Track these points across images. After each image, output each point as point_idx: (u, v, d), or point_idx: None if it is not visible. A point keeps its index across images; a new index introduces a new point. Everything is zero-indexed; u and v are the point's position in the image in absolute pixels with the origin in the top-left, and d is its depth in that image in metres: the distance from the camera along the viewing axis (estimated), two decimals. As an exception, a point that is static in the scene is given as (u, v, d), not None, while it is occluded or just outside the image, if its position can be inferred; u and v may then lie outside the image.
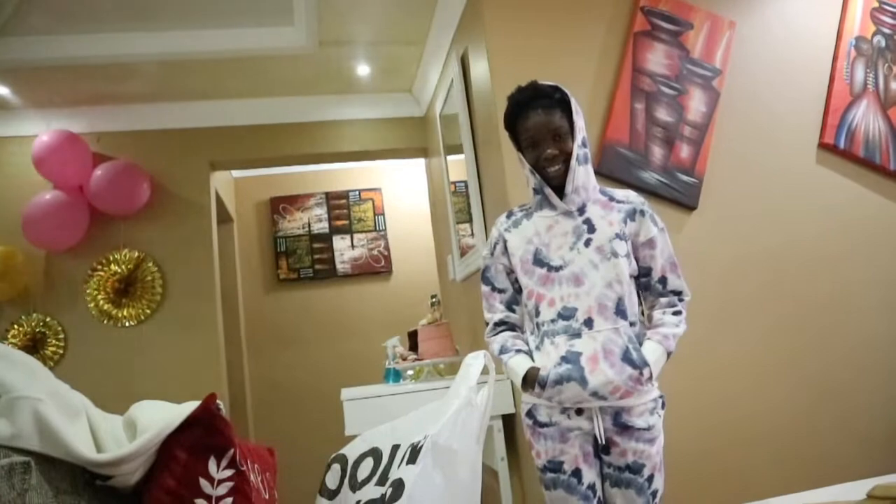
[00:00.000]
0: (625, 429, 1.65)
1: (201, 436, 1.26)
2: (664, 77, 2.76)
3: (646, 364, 1.62)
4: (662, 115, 2.73)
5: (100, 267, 3.71)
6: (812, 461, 2.56)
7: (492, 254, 1.83)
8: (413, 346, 2.98)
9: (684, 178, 2.71)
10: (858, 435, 2.68)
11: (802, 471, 2.47)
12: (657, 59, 2.77)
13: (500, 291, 1.82)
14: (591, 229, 1.72)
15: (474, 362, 1.49)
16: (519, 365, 1.69)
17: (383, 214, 5.20)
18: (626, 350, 1.62)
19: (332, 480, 1.56)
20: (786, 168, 2.86)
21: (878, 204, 2.94)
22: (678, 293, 1.79)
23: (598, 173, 2.60)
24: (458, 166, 3.29)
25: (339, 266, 5.07)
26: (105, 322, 3.67)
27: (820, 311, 2.77)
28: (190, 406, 1.29)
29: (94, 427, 1.25)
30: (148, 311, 3.71)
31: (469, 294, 3.24)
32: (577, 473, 1.65)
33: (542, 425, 1.68)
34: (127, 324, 3.69)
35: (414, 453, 1.31)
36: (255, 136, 4.07)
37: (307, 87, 3.98)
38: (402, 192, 5.23)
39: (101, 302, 3.68)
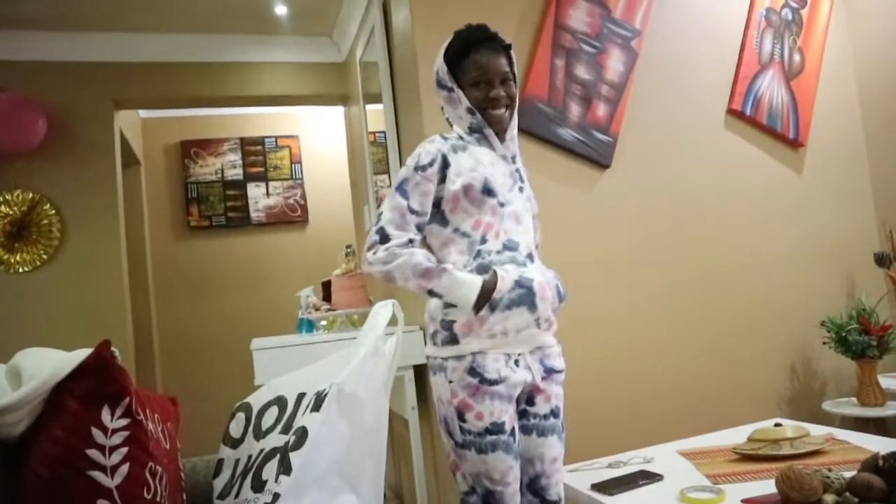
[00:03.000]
0: (548, 373, 1.67)
1: (94, 384, 1.21)
2: (585, 35, 2.78)
3: (565, 298, 1.69)
4: (581, 72, 2.76)
5: (-11, 208, 3.46)
6: (701, 409, 2.72)
7: (424, 169, 1.62)
8: (327, 297, 2.96)
9: (600, 136, 2.76)
10: (743, 386, 2.87)
11: (693, 417, 2.63)
12: (579, 16, 2.78)
13: (417, 214, 1.61)
14: (522, 179, 1.76)
15: (382, 311, 1.48)
16: (471, 276, 1.56)
17: (300, 162, 5.06)
18: (556, 285, 1.68)
19: (235, 429, 1.54)
20: (695, 131, 2.97)
21: (776, 170, 3.10)
22: None
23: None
24: (377, 116, 3.22)
25: (253, 214, 4.93)
26: (-4, 267, 3.45)
27: (718, 269, 2.92)
28: (81, 353, 1.23)
29: (-28, 375, 1.18)
30: (45, 257, 3.51)
31: (385, 246, 3.22)
32: (513, 433, 1.60)
33: (492, 383, 1.55)
34: (21, 269, 3.47)
35: (319, 401, 1.30)
36: (165, 74, 3.84)
37: (222, 24, 3.77)
38: (319, 140, 5.10)
39: (-9, 246, 3.44)
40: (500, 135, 1.72)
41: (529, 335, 1.61)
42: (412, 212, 1.60)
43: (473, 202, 1.62)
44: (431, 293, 1.58)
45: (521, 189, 1.73)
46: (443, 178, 1.63)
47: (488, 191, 1.62)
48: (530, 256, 1.67)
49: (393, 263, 1.55)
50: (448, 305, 1.60)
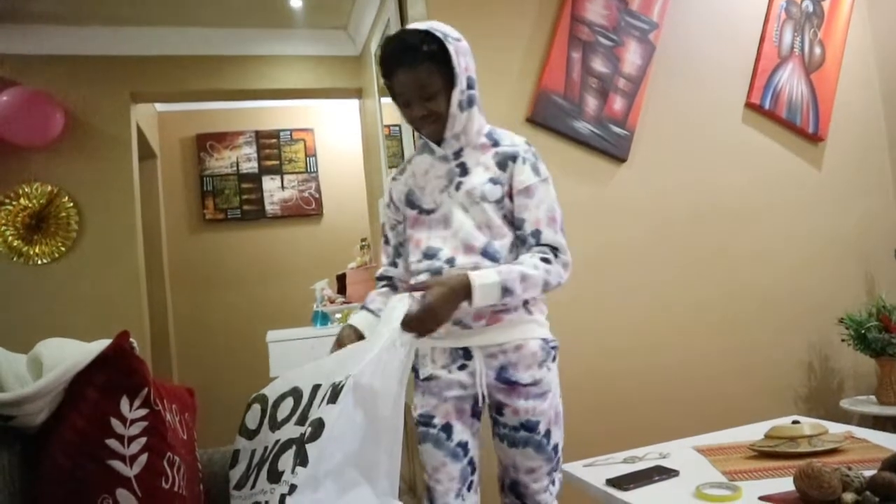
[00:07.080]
0: (511, 386, 1.60)
1: (113, 374, 1.22)
2: (602, 27, 2.76)
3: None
4: (598, 65, 2.74)
5: (7, 201, 3.49)
6: (718, 405, 2.70)
7: (388, 206, 1.83)
8: (341, 290, 2.97)
9: (616, 129, 2.74)
10: (760, 382, 2.85)
11: (709, 414, 2.61)
12: (596, 8, 2.75)
13: (388, 244, 1.84)
14: (464, 173, 1.65)
15: (398, 304, 1.48)
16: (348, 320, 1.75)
17: (315, 156, 5.07)
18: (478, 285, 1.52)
19: (251, 420, 1.55)
20: (713, 125, 2.94)
21: (795, 164, 3.06)
22: (554, 249, 1.61)
23: (531, 121, 2.61)
24: (392, 109, 3.21)
25: (268, 207, 4.95)
26: (15, 259, 3.48)
27: (735, 265, 2.89)
28: (101, 344, 1.24)
29: (-7, 365, 1.19)
30: (63, 249, 3.54)
31: (400, 239, 3.22)
32: (447, 428, 1.61)
33: (424, 379, 1.65)
34: (40, 261, 3.51)
35: (335, 393, 1.31)
36: (181, 68, 3.86)
37: (237, 18, 3.78)
38: (334, 133, 5.11)
39: (10, 238, 3.48)
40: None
41: (453, 336, 1.61)
42: (388, 244, 1.84)
43: (405, 216, 1.75)
44: None
45: (458, 186, 1.64)
46: (393, 206, 1.79)
47: (410, 203, 1.71)
48: (451, 261, 1.59)
49: None
50: None
